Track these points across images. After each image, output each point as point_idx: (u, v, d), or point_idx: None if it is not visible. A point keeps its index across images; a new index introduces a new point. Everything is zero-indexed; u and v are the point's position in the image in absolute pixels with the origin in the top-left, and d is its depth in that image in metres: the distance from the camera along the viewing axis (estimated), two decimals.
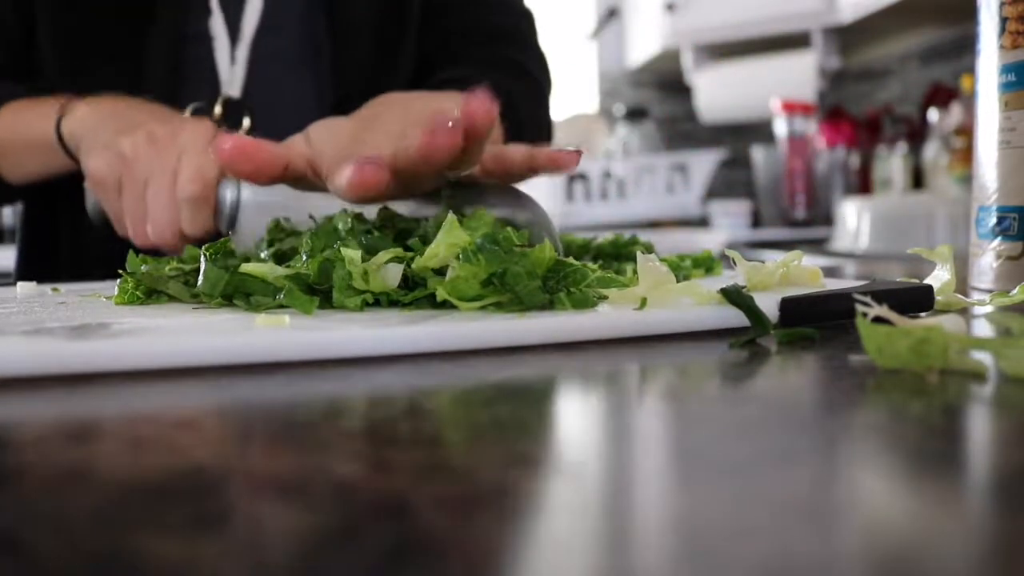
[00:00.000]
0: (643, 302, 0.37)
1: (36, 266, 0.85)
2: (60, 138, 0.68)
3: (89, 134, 0.66)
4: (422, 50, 0.85)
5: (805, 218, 2.30)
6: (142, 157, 0.60)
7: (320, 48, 0.81)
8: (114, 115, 0.66)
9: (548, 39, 0.94)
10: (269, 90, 0.79)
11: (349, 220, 0.44)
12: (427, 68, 0.84)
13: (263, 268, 0.41)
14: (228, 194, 0.58)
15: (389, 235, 0.44)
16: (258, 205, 0.57)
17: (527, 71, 0.84)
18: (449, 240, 0.38)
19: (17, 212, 0.89)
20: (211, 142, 0.59)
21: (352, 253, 0.40)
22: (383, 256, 0.40)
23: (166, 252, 0.61)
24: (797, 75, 2.31)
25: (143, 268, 0.47)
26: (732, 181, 2.75)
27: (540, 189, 2.18)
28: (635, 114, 2.53)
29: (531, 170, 0.48)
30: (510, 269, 0.37)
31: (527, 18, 0.89)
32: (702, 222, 2.30)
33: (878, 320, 0.29)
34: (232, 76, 0.78)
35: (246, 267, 0.41)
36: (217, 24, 0.78)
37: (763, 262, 0.46)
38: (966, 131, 1.78)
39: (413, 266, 0.40)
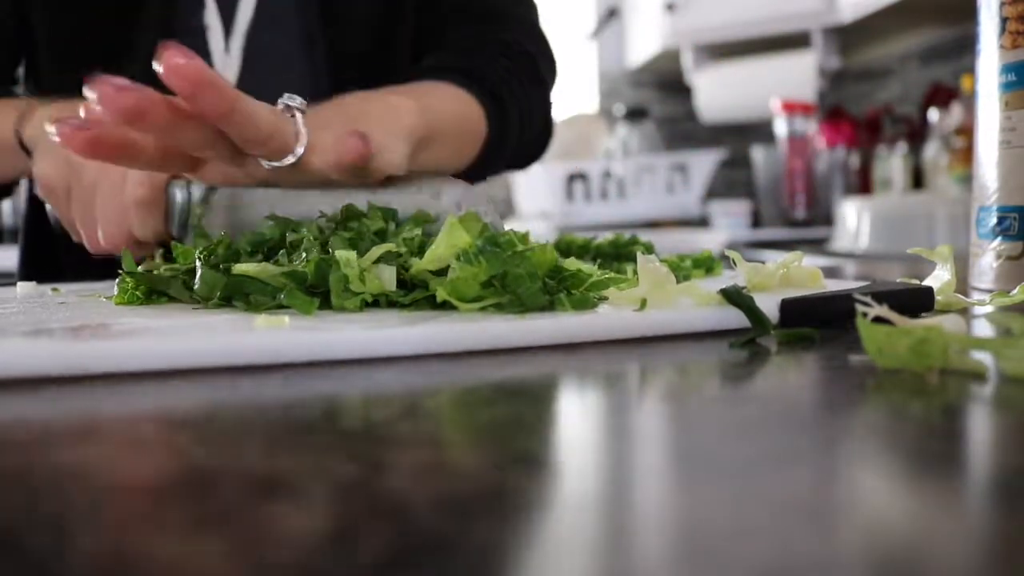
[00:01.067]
0: (643, 303, 0.37)
1: (38, 266, 0.85)
2: (21, 143, 0.67)
3: (42, 139, 0.63)
4: (417, 35, 0.83)
5: (805, 218, 2.30)
6: (88, 162, 0.58)
7: (314, 39, 0.81)
8: None
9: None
10: (264, 82, 0.79)
11: (314, 229, 0.44)
12: (421, 53, 0.82)
13: (256, 267, 0.41)
14: (178, 196, 0.56)
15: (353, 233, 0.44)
16: (210, 207, 0.55)
17: (517, 50, 0.81)
18: (450, 241, 0.38)
19: (19, 212, 0.89)
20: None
21: (348, 254, 0.40)
22: (376, 252, 0.40)
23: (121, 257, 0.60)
24: (797, 75, 2.31)
25: (140, 269, 0.47)
26: (732, 181, 2.75)
27: (540, 189, 2.18)
28: (635, 114, 2.53)
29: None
30: (511, 271, 0.37)
31: (523, 2, 0.87)
32: (702, 222, 2.30)
33: (878, 320, 0.29)
34: (226, 68, 0.78)
35: (239, 267, 0.41)
36: (211, 15, 0.78)
37: (763, 263, 0.46)
38: (966, 131, 1.78)
39: (411, 269, 0.40)
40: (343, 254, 0.40)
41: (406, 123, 0.58)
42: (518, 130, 0.77)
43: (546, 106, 0.86)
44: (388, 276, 0.40)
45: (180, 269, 0.46)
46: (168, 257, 0.53)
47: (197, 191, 0.56)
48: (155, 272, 0.46)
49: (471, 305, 0.37)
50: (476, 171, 0.74)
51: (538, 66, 0.83)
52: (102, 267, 0.66)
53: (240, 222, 0.52)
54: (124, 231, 0.58)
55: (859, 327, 0.28)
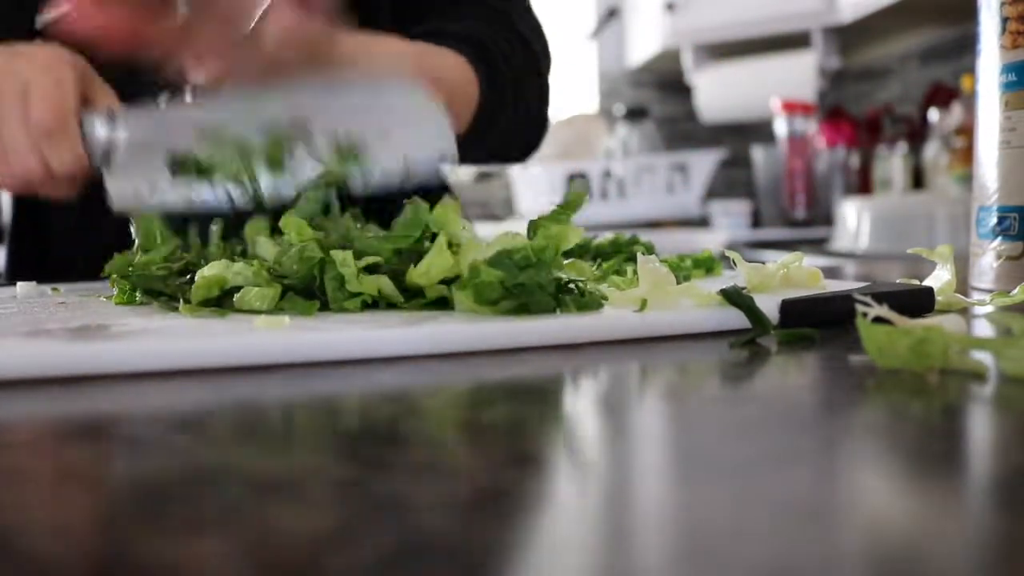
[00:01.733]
0: (643, 303, 0.37)
1: (25, 264, 0.84)
2: None
3: None
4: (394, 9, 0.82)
5: (805, 218, 2.29)
6: None
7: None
8: None
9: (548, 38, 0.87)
10: None
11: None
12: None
13: (219, 267, 0.41)
14: (99, 129, 0.53)
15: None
16: (134, 141, 0.53)
17: (506, 18, 0.77)
18: (437, 262, 0.38)
19: (6, 209, 0.88)
20: (64, 64, 0.54)
21: (343, 254, 0.40)
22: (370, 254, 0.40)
23: (43, 193, 0.57)
24: (797, 75, 2.31)
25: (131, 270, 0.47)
26: (732, 181, 2.74)
27: (540, 188, 2.18)
28: (635, 114, 2.53)
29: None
30: (526, 284, 0.36)
31: None
32: (702, 222, 2.30)
33: (878, 320, 0.29)
34: None
35: (203, 273, 0.41)
36: None
37: (763, 263, 0.46)
38: (966, 131, 1.78)
39: (406, 279, 0.39)
40: (339, 254, 0.40)
41: (400, 50, 0.58)
42: (512, 104, 0.74)
43: (540, 85, 0.81)
44: (386, 284, 0.40)
45: (172, 268, 0.46)
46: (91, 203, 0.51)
47: (122, 130, 0.53)
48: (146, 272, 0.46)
49: (489, 308, 0.37)
50: (467, 140, 0.71)
51: (530, 43, 0.79)
52: (87, 267, 0.65)
53: (159, 143, 0.50)
54: (36, 163, 0.54)
55: (859, 327, 0.28)
